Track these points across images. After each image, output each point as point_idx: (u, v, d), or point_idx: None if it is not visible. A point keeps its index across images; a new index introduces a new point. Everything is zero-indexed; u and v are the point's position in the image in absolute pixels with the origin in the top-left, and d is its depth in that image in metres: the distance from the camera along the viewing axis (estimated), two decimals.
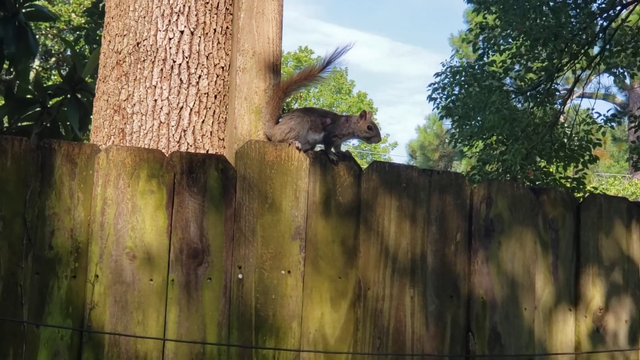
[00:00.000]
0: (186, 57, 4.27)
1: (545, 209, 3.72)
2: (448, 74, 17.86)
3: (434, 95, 18.11)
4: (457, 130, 17.79)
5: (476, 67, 17.52)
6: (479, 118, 16.99)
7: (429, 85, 18.17)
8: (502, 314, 3.58)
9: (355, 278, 3.40)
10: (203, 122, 4.23)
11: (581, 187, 15.91)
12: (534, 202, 3.70)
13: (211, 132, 4.23)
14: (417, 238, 3.49)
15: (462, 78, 17.56)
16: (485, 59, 17.41)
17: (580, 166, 15.82)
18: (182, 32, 4.30)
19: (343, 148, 3.70)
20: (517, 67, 17.40)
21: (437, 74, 18.18)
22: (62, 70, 23.52)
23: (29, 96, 8.05)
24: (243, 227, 3.28)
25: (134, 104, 4.23)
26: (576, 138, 16.07)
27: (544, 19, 15.44)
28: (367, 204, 3.45)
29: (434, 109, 18.26)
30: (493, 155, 16.20)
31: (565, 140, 16.00)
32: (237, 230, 3.27)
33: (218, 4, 4.39)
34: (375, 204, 3.46)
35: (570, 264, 3.74)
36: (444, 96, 17.94)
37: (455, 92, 17.72)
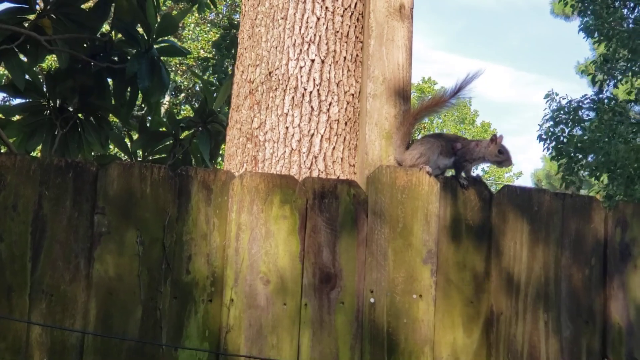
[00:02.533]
0: (317, 85, 4.33)
1: None
2: (561, 114, 17.59)
3: (543, 136, 17.87)
4: (567, 172, 17.52)
5: (596, 99, 17.22)
6: (599, 151, 16.69)
7: (540, 128, 17.94)
8: (639, 340, 3.50)
9: (487, 302, 3.38)
10: (334, 148, 4.28)
11: None
12: None
13: (342, 159, 4.28)
14: (550, 262, 3.45)
15: (570, 114, 17.28)
16: (606, 92, 17.10)
17: None
18: (312, 60, 4.36)
19: (473, 173, 3.69)
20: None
21: (546, 119, 17.93)
22: (191, 105, 24.08)
23: (162, 129, 8.27)
24: (375, 252, 3.30)
25: (266, 132, 4.31)
26: None
27: None
28: (498, 228, 3.43)
29: (544, 149, 18.02)
30: (622, 189, 15.84)
31: None
32: (369, 254, 3.29)
33: (348, 32, 4.44)
34: (506, 228, 3.44)
35: None
36: (554, 136, 17.67)
37: (565, 134, 17.45)
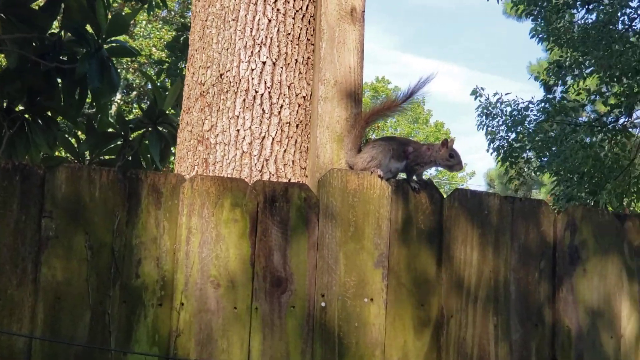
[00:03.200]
0: (268, 88, 4.32)
1: (631, 236, 3.66)
2: (498, 114, 17.78)
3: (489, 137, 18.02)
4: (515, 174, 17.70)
5: (546, 102, 17.40)
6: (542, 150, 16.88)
7: (479, 125, 18.10)
8: (588, 343, 3.53)
9: (438, 306, 3.39)
10: (285, 151, 4.27)
11: None
12: (619, 229, 3.65)
13: (293, 162, 4.27)
14: (500, 266, 3.47)
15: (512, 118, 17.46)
16: (556, 94, 17.31)
17: None
18: (264, 63, 4.35)
19: (424, 177, 3.70)
20: (590, 105, 17.28)
21: (480, 123, 18.13)
22: (142, 104, 23.94)
23: (110, 130, 8.21)
24: (326, 255, 3.29)
25: (217, 134, 4.29)
26: None
27: (629, 53, 15.24)
28: (449, 231, 3.44)
29: (488, 150, 18.16)
30: (574, 195, 15.99)
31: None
32: (320, 258, 3.29)
33: (300, 35, 4.44)
34: (457, 232, 3.45)
35: None
36: (496, 138, 17.84)
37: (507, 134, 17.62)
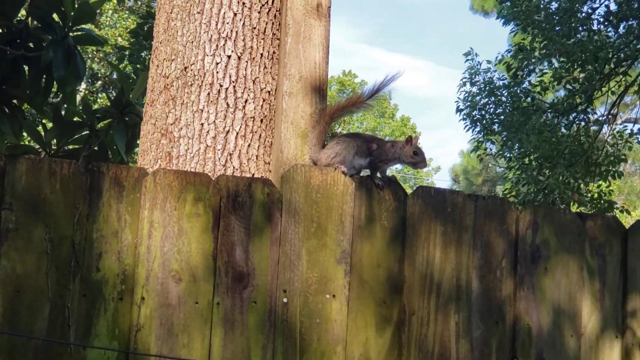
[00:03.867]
0: (233, 82, 4.30)
1: (592, 235, 3.69)
2: (479, 82, 17.88)
3: (461, 107, 18.11)
4: (484, 138, 17.80)
5: (511, 88, 17.50)
6: (503, 135, 16.99)
7: (457, 100, 18.20)
8: (549, 341, 3.55)
9: (400, 303, 3.39)
10: (249, 146, 4.25)
11: (609, 206, 15.99)
12: (581, 228, 3.67)
13: (257, 156, 4.25)
14: (462, 263, 3.48)
15: (488, 87, 17.58)
16: (523, 80, 17.43)
17: (609, 181, 15.89)
18: (229, 56, 4.33)
19: (388, 173, 3.70)
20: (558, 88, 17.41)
21: (463, 83, 18.21)
22: (108, 93, 23.80)
23: (77, 119, 8.14)
24: (288, 251, 3.29)
25: (181, 128, 4.26)
26: (604, 155, 16.09)
27: (586, 39, 15.38)
28: (412, 228, 3.45)
29: (460, 120, 18.22)
30: (533, 177, 16.12)
31: (599, 154, 16.02)
32: (283, 254, 3.28)
33: (265, 29, 4.42)
34: (420, 229, 3.46)
35: (617, 291, 3.70)
36: (470, 105, 17.93)
37: (483, 102, 17.71)
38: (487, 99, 17.63)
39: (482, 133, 17.98)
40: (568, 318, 3.60)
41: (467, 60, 18.60)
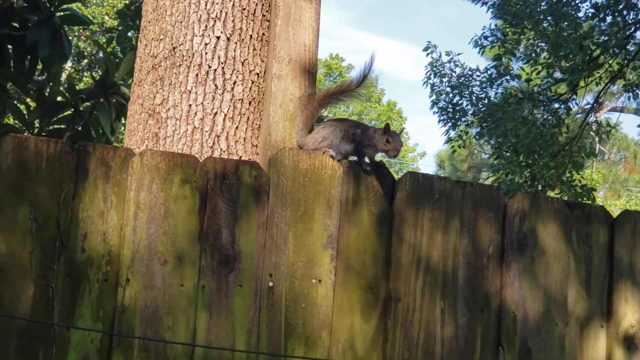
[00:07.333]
0: (222, 63, 4.27)
1: (579, 224, 3.68)
2: (449, 75, 17.94)
3: (433, 99, 18.17)
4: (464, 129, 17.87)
5: (492, 70, 17.56)
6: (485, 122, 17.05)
7: (425, 83, 18.26)
8: (534, 329, 3.55)
9: (386, 289, 3.38)
10: (237, 128, 4.22)
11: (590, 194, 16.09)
12: (568, 217, 3.66)
13: (244, 139, 4.23)
14: (449, 250, 3.47)
15: (459, 80, 17.65)
16: (507, 70, 17.49)
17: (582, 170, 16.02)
18: (218, 37, 4.30)
19: (377, 159, 3.68)
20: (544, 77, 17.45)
21: (428, 77, 18.28)
22: (94, 72, 23.69)
23: (60, 99, 8.09)
24: (275, 235, 3.27)
25: (169, 109, 4.24)
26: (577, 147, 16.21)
27: (571, 31, 15.42)
28: (399, 214, 3.43)
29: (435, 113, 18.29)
30: (518, 164, 16.17)
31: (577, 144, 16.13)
32: (269, 237, 3.26)
33: (255, 10, 4.39)
34: (407, 215, 3.44)
35: (603, 280, 3.70)
36: (441, 99, 18.00)
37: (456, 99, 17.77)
38: (457, 90, 17.67)
39: (455, 128, 18.05)
40: (554, 306, 3.59)
41: (428, 54, 18.64)
